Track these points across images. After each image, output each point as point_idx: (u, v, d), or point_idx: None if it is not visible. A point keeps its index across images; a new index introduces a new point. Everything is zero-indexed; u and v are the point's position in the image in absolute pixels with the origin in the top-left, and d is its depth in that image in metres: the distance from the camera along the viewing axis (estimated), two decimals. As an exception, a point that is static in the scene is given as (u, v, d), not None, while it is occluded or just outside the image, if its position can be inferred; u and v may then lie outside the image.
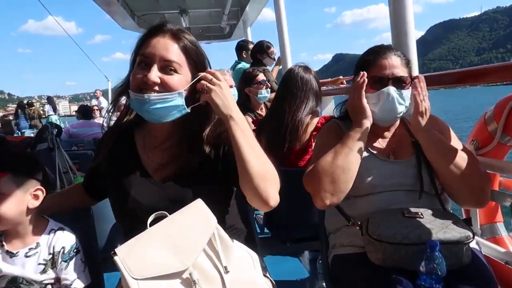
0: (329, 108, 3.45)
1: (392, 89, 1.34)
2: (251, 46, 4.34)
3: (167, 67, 1.12)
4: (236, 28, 8.11)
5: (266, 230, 2.16)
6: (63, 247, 1.21)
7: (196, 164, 1.17)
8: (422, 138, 1.33)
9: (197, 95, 1.15)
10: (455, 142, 1.41)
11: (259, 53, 4.03)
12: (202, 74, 1.12)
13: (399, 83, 1.36)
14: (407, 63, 1.41)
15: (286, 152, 2.05)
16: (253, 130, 2.44)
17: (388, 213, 1.27)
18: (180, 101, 1.12)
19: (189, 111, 1.14)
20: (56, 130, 2.69)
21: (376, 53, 1.41)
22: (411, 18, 1.88)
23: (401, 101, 1.36)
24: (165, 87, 1.11)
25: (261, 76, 2.88)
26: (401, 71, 1.37)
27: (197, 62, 1.17)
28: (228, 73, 2.79)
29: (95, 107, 8.56)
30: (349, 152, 1.32)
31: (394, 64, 1.37)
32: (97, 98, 11.02)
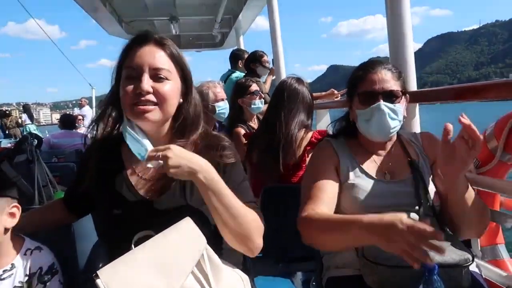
0: (324, 121, 3.41)
1: (383, 105, 1.31)
2: (246, 56, 4.28)
3: (157, 75, 1.08)
4: (228, 37, 8.09)
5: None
6: (40, 268, 1.14)
7: (188, 180, 1.11)
8: (454, 186, 1.17)
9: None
10: None
11: (252, 62, 3.98)
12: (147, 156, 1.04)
13: (390, 97, 1.32)
14: (399, 76, 1.37)
15: (279, 168, 1.98)
16: (244, 144, 2.37)
17: None
18: None
19: None
20: (36, 141, 2.59)
21: (366, 68, 1.38)
22: (409, 30, 1.86)
23: (393, 116, 1.31)
24: (158, 96, 1.07)
25: (254, 87, 2.82)
26: (393, 85, 1.33)
27: (184, 70, 1.15)
28: (219, 85, 2.71)
29: (80, 117, 8.38)
30: (349, 240, 1.15)
31: (385, 78, 1.33)
32: (82, 107, 10.76)
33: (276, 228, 1.92)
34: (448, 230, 1.33)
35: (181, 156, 1.00)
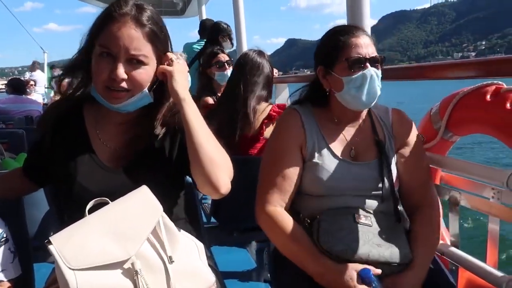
0: (283, 96, 3.45)
1: (373, 70, 1.27)
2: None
3: (133, 59, 1.04)
4: (190, 5, 7.80)
5: (213, 220, 2.12)
6: None
7: (151, 149, 1.13)
8: None
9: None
10: (420, 158, 1.40)
11: (221, 34, 3.88)
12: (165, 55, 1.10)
13: (375, 63, 1.29)
14: (374, 43, 1.33)
15: (237, 140, 2.01)
16: (204, 116, 2.37)
17: (339, 216, 1.24)
18: (146, 98, 1.10)
19: (152, 100, 1.12)
20: (-19, 105, 2.43)
21: (347, 32, 1.30)
22: (367, 6, 1.89)
23: (379, 83, 1.29)
24: (133, 82, 1.05)
25: (221, 57, 2.82)
26: (374, 50, 1.30)
27: (163, 44, 1.11)
28: (181, 57, 2.65)
29: (31, 82, 7.85)
30: (299, 260, 1.23)
31: (368, 43, 1.29)
32: (33, 71, 10.05)
33: (231, 198, 1.96)
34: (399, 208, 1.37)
35: (184, 75, 1.12)
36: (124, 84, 1.04)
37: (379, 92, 1.30)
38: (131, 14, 1.05)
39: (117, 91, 1.05)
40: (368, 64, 1.27)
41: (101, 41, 1.04)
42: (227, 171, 1.09)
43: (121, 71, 1.02)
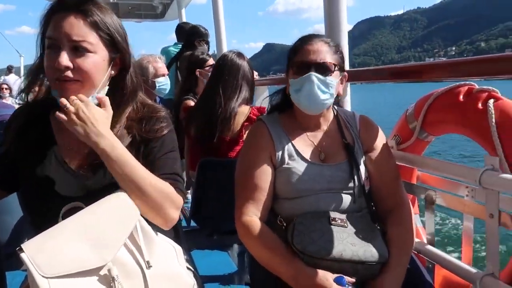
0: (263, 98, 3.44)
1: (313, 75, 1.30)
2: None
3: (78, 47, 1.01)
4: (170, 8, 7.75)
5: (193, 224, 2.10)
6: None
7: None
8: None
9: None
10: (388, 160, 1.42)
11: (198, 38, 3.86)
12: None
13: (323, 69, 1.31)
14: (336, 50, 1.37)
15: (217, 142, 2.00)
16: (184, 118, 2.35)
17: (314, 219, 1.26)
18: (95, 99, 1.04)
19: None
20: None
21: (303, 39, 1.38)
22: (344, 12, 1.92)
23: (323, 88, 1.31)
24: (79, 72, 1.01)
25: (211, 61, 2.80)
26: (328, 58, 1.33)
27: (114, 39, 1.07)
28: (161, 60, 2.64)
29: (4, 86, 7.64)
30: (274, 266, 1.25)
31: (320, 49, 1.33)
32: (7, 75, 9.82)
33: (211, 201, 1.95)
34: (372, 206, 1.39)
35: (83, 117, 0.99)
36: (70, 73, 1.01)
37: (322, 98, 1.32)
38: (73, 4, 1.03)
39: (66, 81, 1.02)
40: (312, 69, 1.31)
41: (47, 33, 1.03)
42: (171, 206, 1.08)
43: (63, 58, 0.99)
